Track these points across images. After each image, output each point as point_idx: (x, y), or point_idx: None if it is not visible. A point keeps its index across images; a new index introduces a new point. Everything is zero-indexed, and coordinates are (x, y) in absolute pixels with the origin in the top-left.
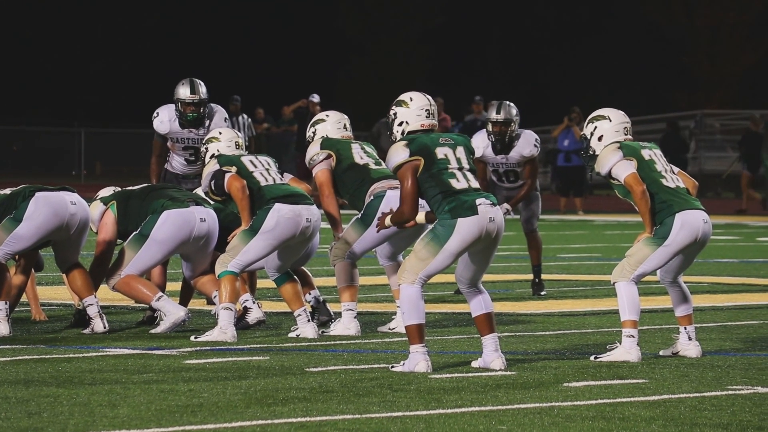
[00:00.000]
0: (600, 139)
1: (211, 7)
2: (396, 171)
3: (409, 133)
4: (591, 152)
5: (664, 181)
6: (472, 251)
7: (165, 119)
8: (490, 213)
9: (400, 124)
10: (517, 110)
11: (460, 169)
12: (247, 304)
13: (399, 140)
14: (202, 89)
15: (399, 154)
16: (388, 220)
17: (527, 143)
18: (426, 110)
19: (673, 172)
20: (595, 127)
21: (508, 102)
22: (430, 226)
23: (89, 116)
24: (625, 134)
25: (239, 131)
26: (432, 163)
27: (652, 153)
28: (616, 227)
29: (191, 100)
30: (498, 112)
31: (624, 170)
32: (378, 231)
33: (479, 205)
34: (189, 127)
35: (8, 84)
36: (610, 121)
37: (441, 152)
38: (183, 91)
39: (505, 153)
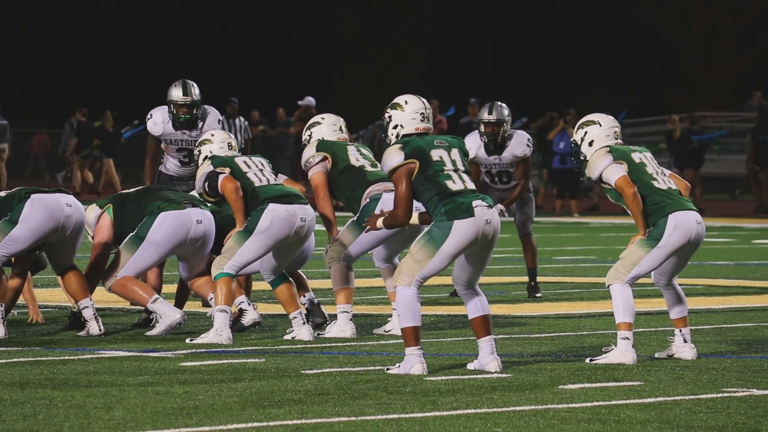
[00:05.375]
0: (591, 144)
1: (207, 9)
2: (391, 174)
3: (404, 136)
4: (582, 157)
5: (655, 183)
6: (469, 253)
7: (158, 121)
8: (486, 215)
9: (395, 126)
10: (509, 110)
11: (456, 170)
12: (243, 306)
13: (394, 143)
14: (195, 90)
15: (394, 157)
16: (379, 223)
17: (519, 143)
18: (421, 113)
19: (665, 175)
20: (586, 132)
21: (499, 102)
22: (426, 228)
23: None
24: (615, 138)
25: (236, 133)
26: (427, 165)
27: (643, 156)
28: (611, 229)
29: (183, 102)
30: (490, 113)
31: (614, 174)
32: (367, 231)
33: (476, 207)
34: (182, 128)
35: (1, 86)
36: (600, 125)
37: (436, 154)
38: (175, 93)
39: (497, 153)
